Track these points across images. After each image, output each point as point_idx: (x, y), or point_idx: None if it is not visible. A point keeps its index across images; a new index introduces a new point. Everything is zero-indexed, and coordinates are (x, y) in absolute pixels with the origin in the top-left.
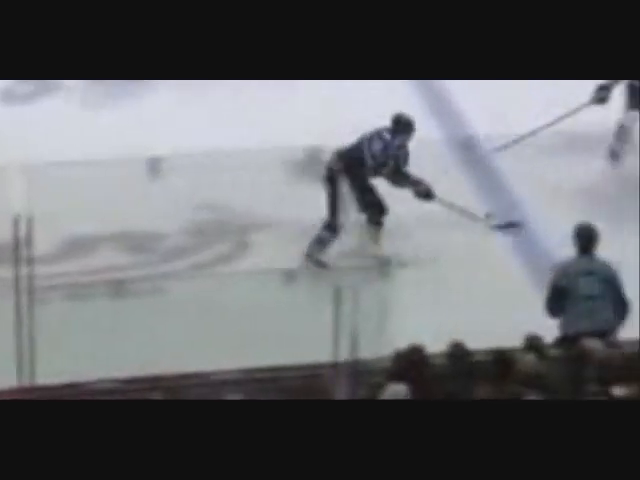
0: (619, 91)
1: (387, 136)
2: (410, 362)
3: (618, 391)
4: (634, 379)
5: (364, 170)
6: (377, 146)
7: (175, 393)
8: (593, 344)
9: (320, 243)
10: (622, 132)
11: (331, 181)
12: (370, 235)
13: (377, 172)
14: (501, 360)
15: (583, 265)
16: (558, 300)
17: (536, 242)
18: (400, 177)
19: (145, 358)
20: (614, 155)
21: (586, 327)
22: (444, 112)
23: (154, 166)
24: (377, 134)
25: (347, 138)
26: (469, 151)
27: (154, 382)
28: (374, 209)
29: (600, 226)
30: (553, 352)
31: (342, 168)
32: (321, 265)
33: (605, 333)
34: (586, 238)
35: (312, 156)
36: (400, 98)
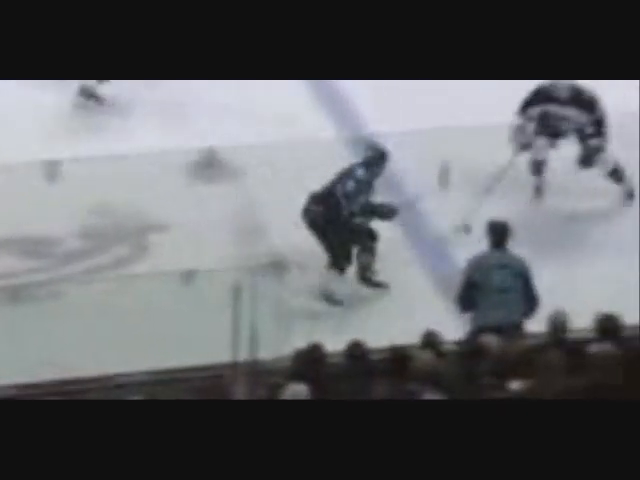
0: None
1: (359, 172)
2: (309, 361)
3: (514, 385)
4: (530, 373)
5: (340, 214)
6: (349, 186)
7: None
8: (489, 339)
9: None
10: (537, 165)
11: (315, 226)
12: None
13: (351, 214)
14: (397, 358)
15: (496, 259)
16: (471, 293)
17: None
18: (371, 210)
19: (44, 363)
20: (538, 191)
21: (498, 319)
22: (339, 111)
23: (51, 170)
24: (349, 171)
25: (243, 139)
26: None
27: (54, 387)
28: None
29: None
30: (448, 348)
31: (321, 212)
32: (338, 304)
33: (516, 326)
34: (498, 232)
35: (208, 157)
36: (298, 97)
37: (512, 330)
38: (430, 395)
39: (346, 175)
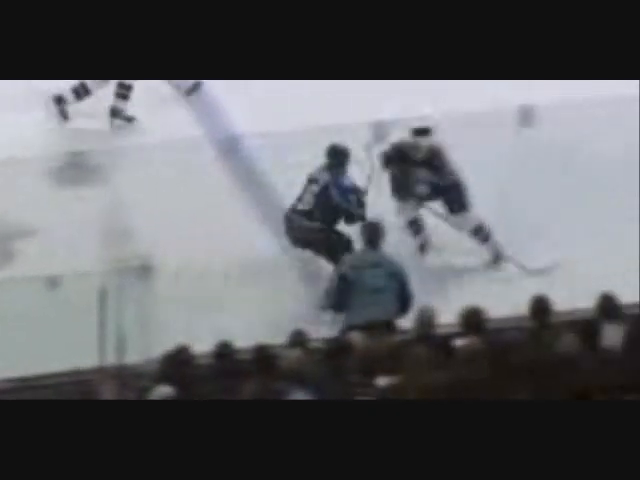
0: None
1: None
2: (176, 363)
3: (382, 382)
4: (397, 369)
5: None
6: (335, 194)
7: None
8: (354, 336)
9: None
10: (412, 226)
11: (307, 242)
12: None
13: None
14: (263, 357)
15: (370, 258)
16: (343, 291)
17: None
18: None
19: None
20: (422, 249)
21: (370, 318)
22: (206, 111)
23: None
24: (323, 180)
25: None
26: (232, 151)
27: None
28: None
29: None
30: (315, 346)
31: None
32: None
33: (387, 323)
34: (372, 232)
35: (74, 161)
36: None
37: (383, 328)
38: (298, 394)
39: (323, 185)
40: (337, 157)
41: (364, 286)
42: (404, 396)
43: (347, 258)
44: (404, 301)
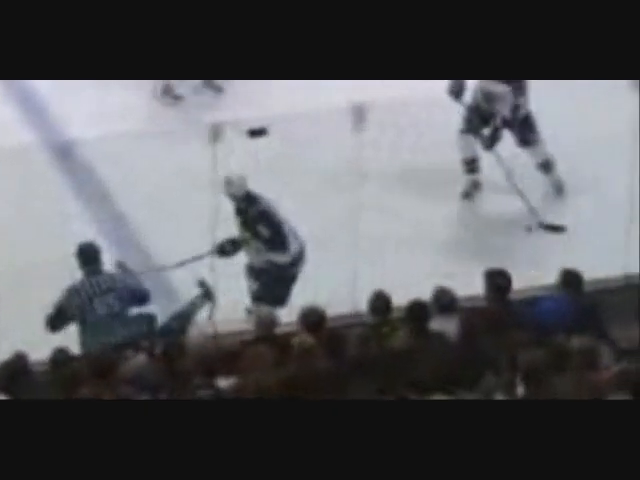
0: None
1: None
2: (12, 371)
3: (224, 383)
4: (236, 370)
5: None
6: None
7: None
8: (193, 338)
9: None
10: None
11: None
12: None
13: None
14: (100, 363)
15: (97, 284)
16: (66, 320)
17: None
18: None
19: None
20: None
21: (106, 343)
22: (38, 115)
23: None
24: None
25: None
26: (68, 156)
27: None
28: None
29: None
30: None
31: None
32: None
33: (131, 345)
34: (91, 256)
35: None
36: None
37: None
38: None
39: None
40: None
41: (95, 314)
42: (244, 396)
43: (69, 290)
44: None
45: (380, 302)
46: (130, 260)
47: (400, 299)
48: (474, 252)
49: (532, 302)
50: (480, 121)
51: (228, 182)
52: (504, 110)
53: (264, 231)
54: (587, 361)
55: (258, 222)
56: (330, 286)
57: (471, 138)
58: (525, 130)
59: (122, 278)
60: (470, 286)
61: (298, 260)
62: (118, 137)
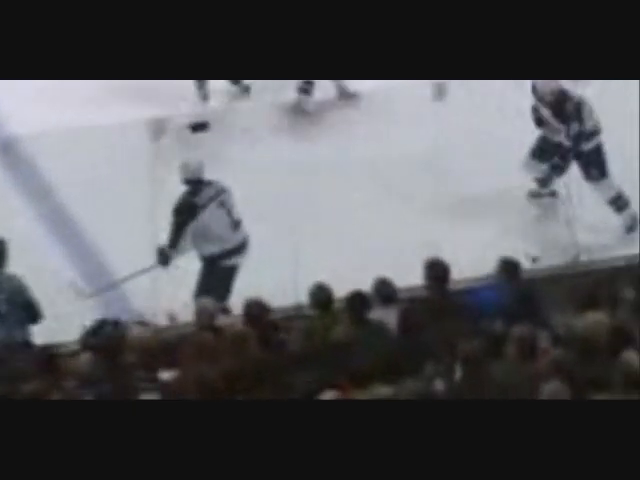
0: None
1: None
2: None
3: (165, 375)
4: (177, 362)
5: None
6: None
7: None
8: (134, 332)
9: None
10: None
11: None
12: None
13: None
14: (47, 357)
15: None
16: None
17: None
18: None
19: None
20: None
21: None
22: None
23: None
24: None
25: None
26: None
27: None
28: None
29: None
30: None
31: None
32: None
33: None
34: None
35: None
36: None
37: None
38: (89, 394)
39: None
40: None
41: None
42: (185, 388)
43: None
44: (32, 313)
45: (321, 294)
46: (73, 255)
47: (342, 291)
48: (416, 244)
49: (471, 291)
50: (546, 149)
51: (184, 166)
52: (562, 139)
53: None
54: (525, 348)
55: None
56: (273, 279)
57: (539, 164)
58: (589, 163)
59: (12, 282)
60: (411, 277)
61: (236, 252)
62: (60, 132)
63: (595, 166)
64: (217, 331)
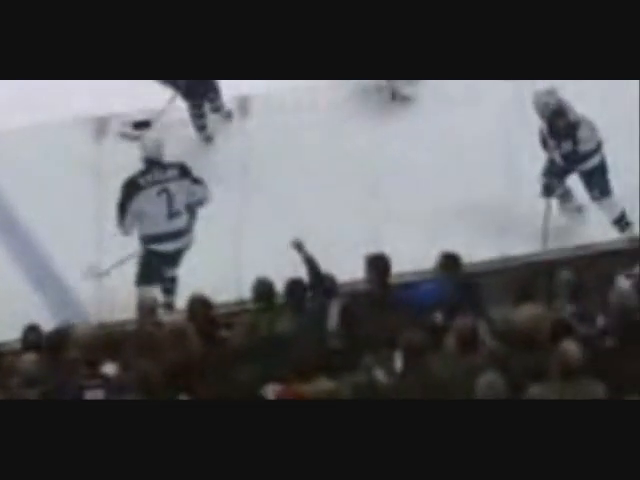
0: None
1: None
2: None
3: (108, 369)
4: (120, 357)
5: None
6: None
7: None
8: (79, 328)
9: None
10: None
11: None
12: None
13: None
14: None
15: None
16: None
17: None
18: None
19: None
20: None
21: None
22: None
23: None
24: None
25: None
26: None
27: None
28: None
29: None
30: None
31: None
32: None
33: None
34: None
35: None
36: None
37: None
38: (33, 393)
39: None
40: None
41: None
42: (128, 383)
43: None
44: None
45: (263, 288)
46: (18, 255)
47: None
48: (358, 239)
49: (412, 285)
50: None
51: (143, 145)
52: (555, 156)
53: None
54: (465, 340)
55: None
56: (215, 275)
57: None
58: (590, 183)
59: None
60: (352, 272)
61: (168, 238)
62: (7, 131)
63: (596, 185)
64: (158, 325)
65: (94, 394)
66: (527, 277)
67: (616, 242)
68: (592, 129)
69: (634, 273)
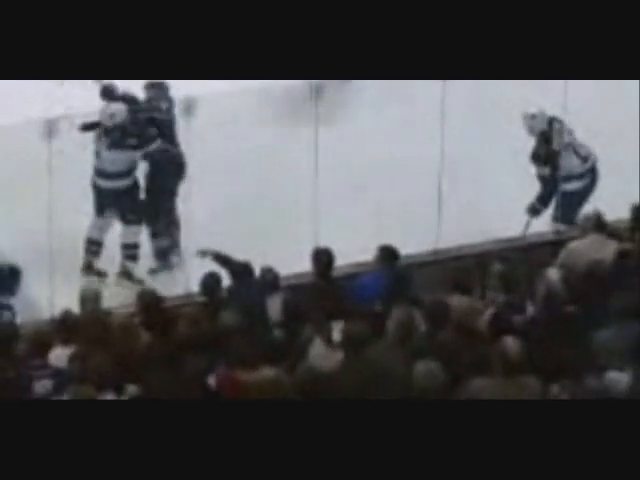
0: None
1: None
2: None
3: (57, 355)
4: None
5: None
6: None
7: None
8: (28, 321)
9: None
10: None
11: None
12: None
13: None
14: None
15: None
16: None
17: None
18: None
19: None
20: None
21: None
22: None
23: None
24: None
25: None
26: None
27: None
28: None
29: None
30: None
31: None
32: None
33: None
34: None
35: None
36: None
37: None
38: None
39: None
40: None
41: None
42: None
43: None
44: None
45: (210, 281)
46: None
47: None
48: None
49: (353, 277)
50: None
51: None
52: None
53: None
54: (404, 328)
55: None
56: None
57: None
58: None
59: None
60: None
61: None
62: None
63: (567, 209)
64: (107, 316)
65: (43, 385)
66: (461, 269)
67: (546, 234)
68: (581, 155)
69: (563, 264)
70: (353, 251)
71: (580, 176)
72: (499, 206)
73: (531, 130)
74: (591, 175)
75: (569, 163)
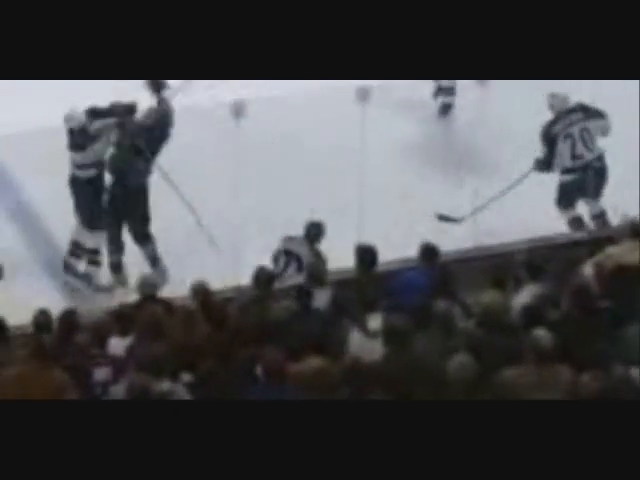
0: None
1: None
2: None
3: (114, 344)
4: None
5: None
6: None
7: None
8: (87, 312)
9: None
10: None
11: None
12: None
13: None
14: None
15: None
16: None
17: None
18: None
19: None
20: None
21: None
22: None
23: None
24: None
25: None
26: None
27: None
28: None
29: None
30: None
31: None
32: None
33: None
34: None
35: None
36: None
37: None
38: None
39: None
40: None
41: None
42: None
43: None
44: None
45: (263, 276)
46: None
47: None
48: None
49: (395, 274)
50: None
51: (69, 117)
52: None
53: None
54: (445, 323)
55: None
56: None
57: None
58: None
59: None
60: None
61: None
62: None
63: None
64: (166, 306)
65: (102, 372)
66: (495, 266)
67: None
68: (576, 153)
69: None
70: (395, 247)
71: (567, 171)
72: (533, 204)
73: (551, 107)
74: (580, 173)
75: (561, 154)
